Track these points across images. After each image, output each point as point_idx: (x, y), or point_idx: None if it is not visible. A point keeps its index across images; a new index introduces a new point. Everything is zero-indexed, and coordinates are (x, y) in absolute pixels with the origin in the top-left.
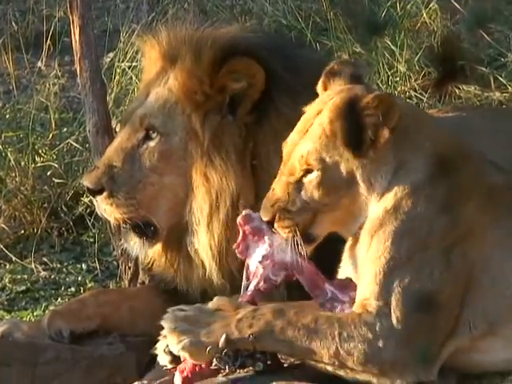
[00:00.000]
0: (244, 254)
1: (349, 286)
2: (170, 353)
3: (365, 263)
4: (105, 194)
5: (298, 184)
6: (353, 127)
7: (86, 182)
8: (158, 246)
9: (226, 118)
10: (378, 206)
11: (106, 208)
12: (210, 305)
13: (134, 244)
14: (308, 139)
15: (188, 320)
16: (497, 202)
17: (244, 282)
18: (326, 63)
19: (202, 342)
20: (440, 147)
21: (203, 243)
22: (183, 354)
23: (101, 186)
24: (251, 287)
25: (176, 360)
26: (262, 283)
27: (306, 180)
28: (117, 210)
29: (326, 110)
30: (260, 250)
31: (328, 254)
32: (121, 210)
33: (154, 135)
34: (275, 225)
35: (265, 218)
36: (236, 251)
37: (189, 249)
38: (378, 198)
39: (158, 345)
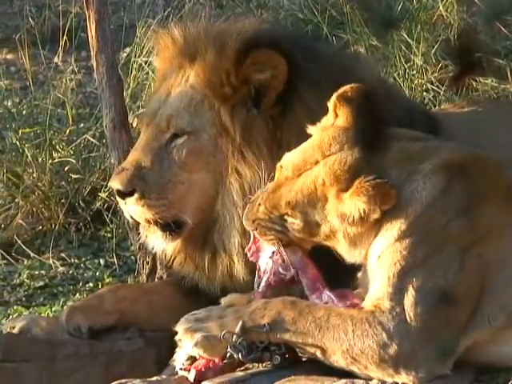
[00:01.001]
0: (255, 256)
1: (347, 296)
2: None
3: (378, 267)
4: (136, 195)
5: (281, 218)
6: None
7: (116, 184)
8: (179, 243)
9: (251, 111)
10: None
11: (136, 209)
12: (223, 302)
13: (156, 239)
14: (298, 188)
15: (200, 320)
16: None
17: (256, 281)
18: (341, 56)
19: (216, 336)
20: (447, 157)
21: (235, 238)
22: (197, 351)
23: (132, 188)
24: (262, 283)
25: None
26: (271, 277)
27: (288, 221)
28: (148, 210)
29: (323, 171)
30: (270, 248)
31: (332, 264)
32: (153, 210)
33: (181, 133)
34: (256, 233)
35: (246, 227)
36: (248, 254)
37: (216, 244)
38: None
39: (175, 356)
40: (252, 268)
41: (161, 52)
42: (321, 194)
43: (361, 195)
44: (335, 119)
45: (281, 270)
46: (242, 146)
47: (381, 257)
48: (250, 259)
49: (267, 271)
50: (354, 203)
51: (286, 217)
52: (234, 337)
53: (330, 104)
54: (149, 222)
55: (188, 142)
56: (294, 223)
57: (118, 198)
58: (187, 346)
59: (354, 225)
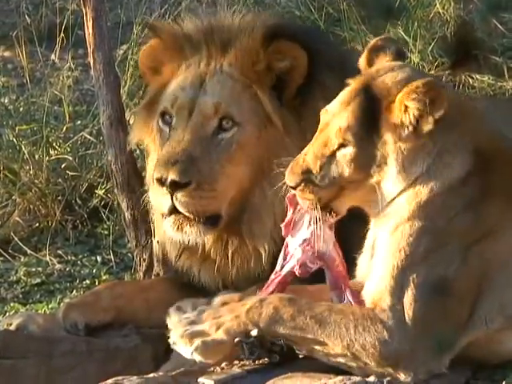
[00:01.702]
0: (288, 231)
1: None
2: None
3: (383, 253)
4: (192, 186)
5: (331, 157)
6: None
7: (172, 175)
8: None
9: (277, 102)
10: (409, 196)
11: (188, 201)
12: (216, 301)
13: (193, 232)
14: (349, 112)
15: (194, 322)
16: None
17: (280, 260)
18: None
19: (214, 340)
20: (480, 143)
21: (268, 226)
22: (197, 357)
23: (188, 179)
24: (287, 268)
25: None
26: (297, 267)
27: (339, 154)
28: (199, 202)
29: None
30: (303, 232)
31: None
32: (204, 201)
33: (228, 125)
34: (297, 192)
35: (290, 183)
36: (282, 228)
37: (245, 235)
38: (408, 186)
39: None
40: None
41: (170, 43)
42: (372, 113)
43: (410, 96)
44: None
45: (308, 262)
46: (284, 135)
47: (388, 236)
48: (283, 234)
49: (294, 257)
50: (404, 106)
51: (337, 151)
52: (248, 340)
53: (362, 61)
54: (195, 213)
55: (237, 136)
56: (346, 153)
57: (160, 191)
58: (184, 351)
59: (406, 138)
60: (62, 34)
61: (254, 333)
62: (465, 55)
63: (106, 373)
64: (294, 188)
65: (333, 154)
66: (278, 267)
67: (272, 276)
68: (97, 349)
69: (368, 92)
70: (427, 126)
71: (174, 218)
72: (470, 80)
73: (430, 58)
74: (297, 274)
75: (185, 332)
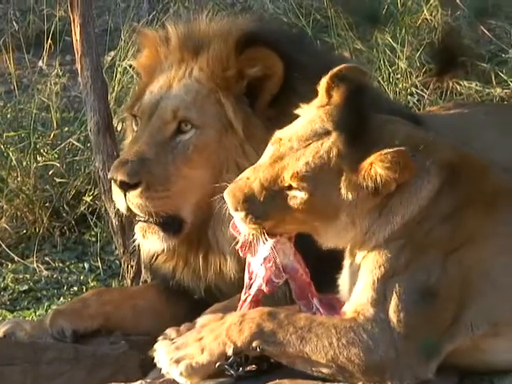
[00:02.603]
0: (246, 251)
1: (335, 307)
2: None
3: (363, 267)
4: (142, 187)
5: (279, 192)
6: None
7: (121, 175)
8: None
9: (248, 110)
10: (379, 226)
11: (139, 202)
12: (198, 323)
13: (156, 239)
14: (309, 157)
15: (179, 347)
16: (499, 209)
17: (246, 279)
18: (330, 55)
19: (198, 363)
20: (444, 159)
21: (229, 233)
22: (183, 380)
23: (138, 180)
24: (255, 287)
25: None
26: (264, 285)
27: (290, 194)
28: (152, 203)
29: (338, 141)
30: (262, 249)
31: (329, 267)
32: (156, 203)
33: (186, 128)
34: (237, 217)
35: (230, 207)
36: (239, 250)
37: (210, 241)
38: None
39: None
40: (244, 267)
41: (151, 47)
42: (334, 165)
43: (382, 162)
44: (329, 99)
45: (274, 278)
46: (244, 142)
47: (366, 257)
48: (241, 254)
49: (259, 276)
50: (374, 170)
51: (287, 190)
52: (227, 362)
53: (322, 86)
54: (150, 215)
55: (194, 138)
56: (297, 197)
57: (116, 191)
58: (173, 374)
59: (365, 198)
60: (49, 41)
61: (230, 352)
62: (452, 62)
63: (93, 380)
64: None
65: (281, 190)
66: (245, 288)
67: (242, 296)
68: (84, 356)
69: (333, 143)
70: (390, 187)
71: (140, 225)
72: (458, 87)
73: (418, 64)
74: (265, 291)
75: (171, 359)
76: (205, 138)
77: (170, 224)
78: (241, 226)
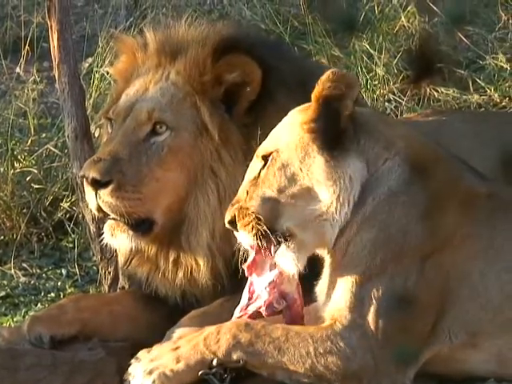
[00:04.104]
0: (251, 271)
1: None
2: None
3: (340, 270)
4: (112, 186)
5: (256, 179)
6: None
7: (93, 173)
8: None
9: (225, 115)
10: (351, 209)
11: (109, 202)
12: (174, 335)
13: (125, 238)
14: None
15: (153, 359)
16: (476, 211)
17: (245, 298)
18: (308, 62)
19: (173, 371)
20: (414, 150)
21: (204, 239)
22: None
23: (109, 178)
24: (253, 308)
25: None
26: (263, 308)
27: (262, 172)
28: (122, 203)
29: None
30: (269, 275)
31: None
32: (126, 203)
33: (161, 130)
34: (238, 226)
35: (226, 219)
36: (245, 269)
37: (183, 245)
38: (348, 198)
39: (131, 370)
40: (216, 272)
41: (129, 53)
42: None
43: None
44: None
45: (275, 303)
46: (220, 147)
47: (343, 256)
48: (247, 274)
49: (261, 298)
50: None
51: (261, 171)
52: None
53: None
54: (121, 215)
55: (169, 140)
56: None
57: (88, 190)
58: None
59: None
60: (26, 47)
61: (215, 362)
62: (429, 68)
63: None
64: (234, 222)
65: (258, 176)
66: (243, 305)
67: (237, 313)
68: (62, 362)
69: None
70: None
71: (109, 223)
72: (435, 93)
73: (395, 71)
74: (263, 314)
75: (145, 370)
76: (179, 140)
77: (139, 224)
78: (241, 235)
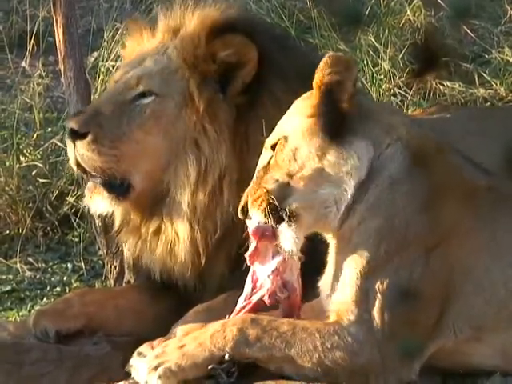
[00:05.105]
0: (254, 260)
1: None
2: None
3: (345, 262)
4: (89, 138)
5: (266, 167)
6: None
7: (72, 123)
8: (126, 211)
9: (217, 93)
10: (358, 197)
11: (86, 154)
12: (179, 332)
13: (101, 200)
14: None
15: (158, 356)
16: (477, 204)
17: (248, 287)
18: (311, 56)
19: (179, 365)
20: (415, 137)
21: (184, 211)
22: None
23: (86, 130)
24: (257, 297)
25: None
26: (266, 297)
27: (272, 160)
28: (98, 157)
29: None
30: (272, 263)
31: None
32: (102, 158)
33: (148, 95)
34: (249, 203)
35: (239, 207)
36: (247, 257)
37: (164, 217)
38: (359, 175)
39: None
40: (195, 249)
41: (137, 33)
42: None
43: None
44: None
45: (278, 292)
46: (205, 120)
47: (347, 244)
48: (248, 263)
49: (264, 287)
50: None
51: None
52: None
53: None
54: (96, 170)
55: (153, 104)
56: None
57: (68, 143)
58: (152, 381)
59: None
60: (32, 41)
61: (227, 357)
62: (435, 62)
63: (76, 380)
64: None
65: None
66: (246, 294)
67: (241, 303)
68: (67, 356)
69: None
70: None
71: (88, 186)
72: (441, 87)
73: (401, 65)
74: (267, 303)
75: (150, 366)
76: (163, 107)
77: (115, 186)
78: (253, 211)
